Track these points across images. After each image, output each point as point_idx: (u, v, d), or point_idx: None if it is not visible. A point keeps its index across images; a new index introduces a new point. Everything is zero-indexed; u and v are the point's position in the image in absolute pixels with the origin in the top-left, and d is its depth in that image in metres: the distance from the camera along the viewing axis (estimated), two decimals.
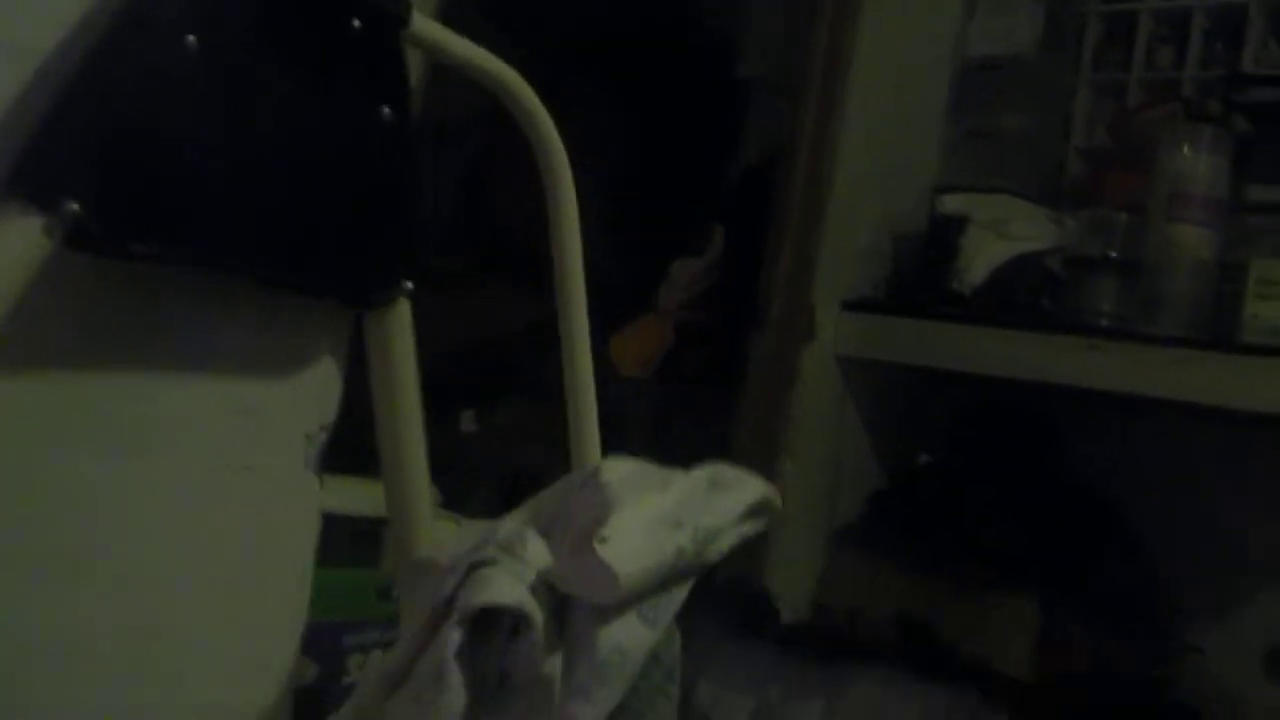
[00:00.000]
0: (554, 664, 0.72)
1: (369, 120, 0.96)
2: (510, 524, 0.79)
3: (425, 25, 0.97)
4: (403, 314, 0.99)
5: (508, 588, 0.71)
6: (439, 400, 1.02)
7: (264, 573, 1.02)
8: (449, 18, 1.08)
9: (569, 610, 0.73)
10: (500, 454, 2.34)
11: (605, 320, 2.04)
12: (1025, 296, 2.18)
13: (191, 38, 0.80)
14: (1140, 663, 2.01)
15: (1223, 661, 2.07)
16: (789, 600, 2.00)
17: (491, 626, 0.71)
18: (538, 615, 0.72)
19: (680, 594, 0.77)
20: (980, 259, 2.16)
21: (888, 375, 2.27)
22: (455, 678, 0.70)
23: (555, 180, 1.09)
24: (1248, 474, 2.17)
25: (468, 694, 0.70)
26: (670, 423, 2.36)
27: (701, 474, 0.81)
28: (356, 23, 0.93)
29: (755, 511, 0.82)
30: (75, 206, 0.74)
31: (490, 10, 1.81)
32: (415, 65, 1.02)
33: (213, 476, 0.96)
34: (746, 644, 1.47)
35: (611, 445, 1.02)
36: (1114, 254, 2.09)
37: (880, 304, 2.27)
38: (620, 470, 0.78)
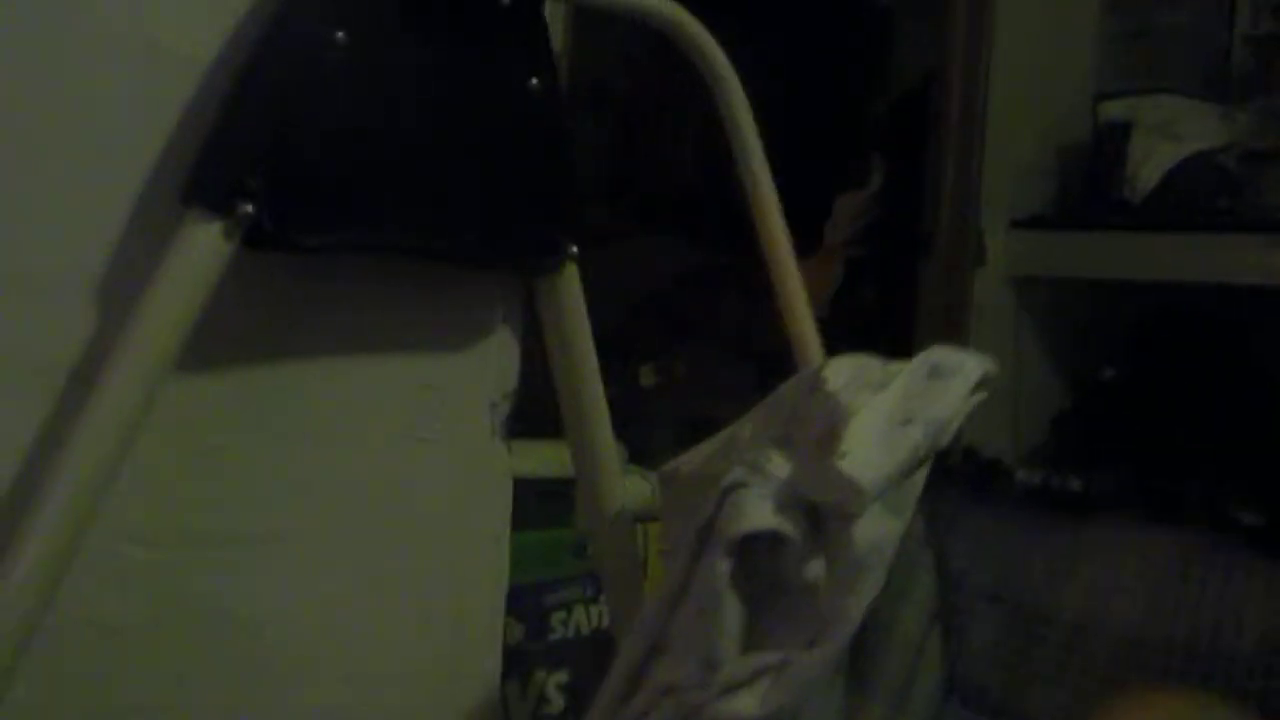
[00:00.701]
0: (816, 567, 0.76)
1: (520, 92, 0.97)
2: (747, 429, 0.83)
3: None
4: (571, 276, 1.01)
5: (763, 511, 0.75)
6: (617, 356, 1.03)
7: (462, 540, 1.05)
8: None
9: (820, 514, 0.76)
10: (682, 405, 2.35)
11: None
12: (1201, 198, 2.11)
13: (340, 34, 0.82)
14: None
15: None
16: None
17: (754, 543, 0.75)
18: (793, 532, 0.75)
19: (920, 478, 0.80)
20: (1149, 164, 2.11)
21: (1063, 292, 2.23)
22: (730, 600, 0.75)
23: (732, 107, 1.09)
24: None
25: (743, 608, 0.75)
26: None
27: (920, 363, 0.83)
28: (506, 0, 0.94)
29: (977, 388, 0.84)
30: (249, 208, 0.77)
31: None
32: (556, 30, 1.03)
33: (403, 452, 0.99)
34: (986, 507, 1.50)
35: None
36: None
37: (1049, 220, 2.22)
38: (843, 373, 0.80)
